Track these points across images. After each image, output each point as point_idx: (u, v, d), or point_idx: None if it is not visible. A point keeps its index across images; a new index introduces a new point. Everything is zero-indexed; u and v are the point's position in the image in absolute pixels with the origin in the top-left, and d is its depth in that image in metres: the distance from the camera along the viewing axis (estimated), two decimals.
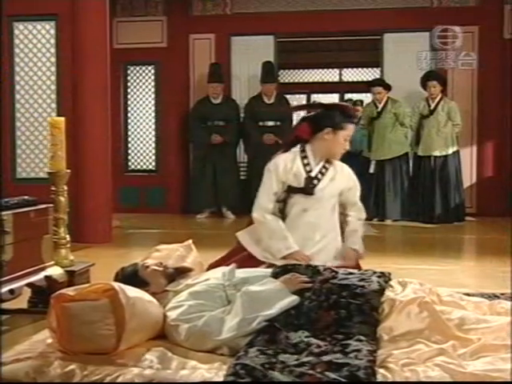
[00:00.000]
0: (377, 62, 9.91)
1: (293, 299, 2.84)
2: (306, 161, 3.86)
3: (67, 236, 4.16)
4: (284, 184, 3.85)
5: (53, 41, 6.82)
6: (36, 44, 6.85)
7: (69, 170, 4.23)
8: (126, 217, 8.34)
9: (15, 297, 3.60)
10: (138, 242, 7.23)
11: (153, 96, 9.58)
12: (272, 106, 8.87)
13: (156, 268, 3.16)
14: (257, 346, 2.59)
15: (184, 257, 3.61)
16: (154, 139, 9.61)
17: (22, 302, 3.95)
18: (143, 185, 9.43)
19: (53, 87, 6.81)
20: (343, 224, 3.96)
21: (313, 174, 3.85)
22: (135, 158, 9.69)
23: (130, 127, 9.67)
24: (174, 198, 9.35)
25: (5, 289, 3.46)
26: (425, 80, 8.20)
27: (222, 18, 9.34)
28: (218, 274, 3.13)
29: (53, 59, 6.82)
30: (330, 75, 14.43)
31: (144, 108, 9.63)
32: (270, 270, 3.19)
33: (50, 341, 2.75)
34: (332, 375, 2.33)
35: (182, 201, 9.30)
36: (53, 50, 6.82)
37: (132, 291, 2.80)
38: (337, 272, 3.09)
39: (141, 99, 9.63)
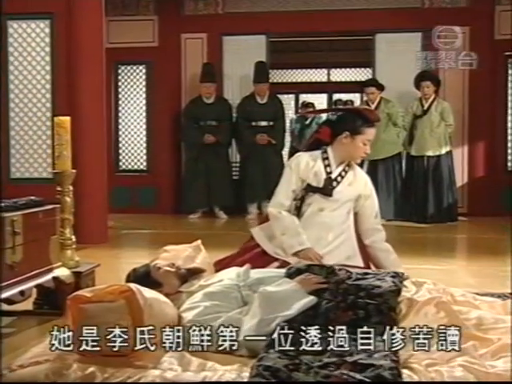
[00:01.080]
0: (367, 62, 9.91)
1: (310, 299, 2.83)
2: (327, 162, 3.90)
3: (73, 237, 4.13)
4: (303, 182, 3.89)
5: (48, 40, 6.74)
6: (30, 43, 6.76)
7: (74, 170, 4.19)
8: (118, 217, 8.26)
9: (25, 298, 3.57)
10: (134, 242, 7.19)
11: (144, 96, 9.50)
12: (265, 105, 8.84)
13: (168, 269, 3.15)
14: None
15: (193, 257, 3.58)
16: (145, 139, 9.54)
17: (26, 304, 3.90)
18: (134, 185, 9.36)
19: (48, 86, 6.73)
20: (369, 250, 3.96)
21: (333, 176, 3.89)
22: (126, 158, 9.62)
23: (120, 127, 9.59)
24: (165, 198, 9.29)
25: (15, 290, 3.43)
26: (418, 80, 8.20)
27: (214, 18, 9.29)
28: (231, 275, 3.12)
29: (48, 58, 6.74)
30: (319, 75, 14.43)
31: (135, 108, 9.56)
32: (283, 271, 3.18)
33: None
34: (358, 376, 2.32)
35: (174, 201, 9.25)
36: (48, 49, 6.73)
37: (148, 292, 2.78)
38: (351, 272, 3.09)
39: (132, 99, 9.56)
